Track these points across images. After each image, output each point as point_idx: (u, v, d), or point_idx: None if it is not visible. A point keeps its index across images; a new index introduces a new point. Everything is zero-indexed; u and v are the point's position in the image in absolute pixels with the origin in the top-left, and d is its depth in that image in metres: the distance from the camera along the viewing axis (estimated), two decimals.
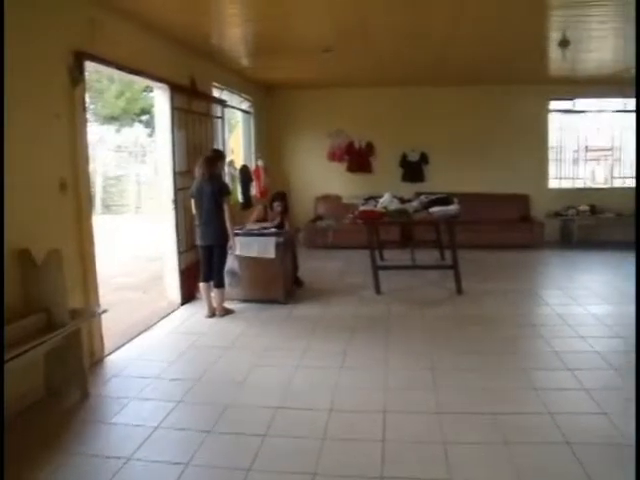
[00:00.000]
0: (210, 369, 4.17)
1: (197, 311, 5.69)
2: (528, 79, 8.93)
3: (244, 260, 5.76)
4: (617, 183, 10.14)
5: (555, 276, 7.59)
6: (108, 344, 4.52)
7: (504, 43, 6.43)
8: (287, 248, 6.16)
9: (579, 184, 10.16)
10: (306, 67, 7.91)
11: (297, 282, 6.61)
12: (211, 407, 3.50)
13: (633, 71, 7.89)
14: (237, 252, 5.66)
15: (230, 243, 5.48)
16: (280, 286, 5.89)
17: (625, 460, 2.80)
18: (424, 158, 9.81)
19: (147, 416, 3.39)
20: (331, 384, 3.85)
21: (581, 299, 6.05)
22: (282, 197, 6.64)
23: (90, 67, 4.40)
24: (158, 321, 5.39)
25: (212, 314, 5.51)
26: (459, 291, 6.25)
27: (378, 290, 6.32)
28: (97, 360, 4.29)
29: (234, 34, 6.05)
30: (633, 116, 9.83)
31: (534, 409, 3.43)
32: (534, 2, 4.93)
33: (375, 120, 9.72)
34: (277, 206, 6.50)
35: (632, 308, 5.67)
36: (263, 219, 6.44)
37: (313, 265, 7.81)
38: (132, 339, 4.86)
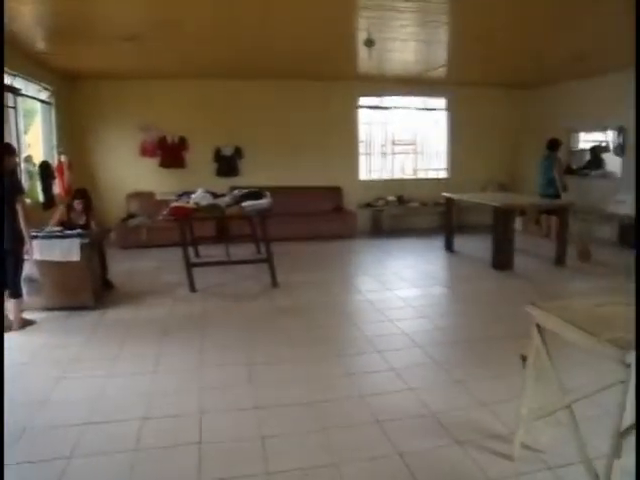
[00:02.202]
0: (5, 391, 3.73)
1: None
2: (339, 75, 9.35)
3: (45, 265, 5.29)
4: (421, 174, 11.11)
5: (367, 264, 8.07)
6: None
7: (314, 39, 6.63)
8: (94, 249, 5.78)
9: (387, 176, 10.91)
10: (113, 56, 7.41)
11: (107, 285, 6.25)
12: (5, 435, 3.12)
13: (433, 73, 8.73)
14: (36, 257, 5.19)
15: (26, 247, 4.99)
16: (88, 290, 5.50)
17: (428, 428, 3.12)
18: (238, 152, 9.82)
19: None
20: (144, 390, 3.69)
21: (390, 284, 6.53)
22: (82, 194, 6.20)
23: None
24: None
25: (8, 328, 4.97)
26: (274, 284, 6.37)
27: (193, 288, 6.22)
28: None
29: (24, 13, 5.42)
30: (432, 113, 10.91)
31: (347, 393, 3.61)
32: (341, 1, 5.15)
33: (188, 114, 9.48)
34: (77, 204, 6.08)
35: (435, 290, 6.33)
36: (66, 220, 5.94)
37: (126, 266, 7.46)
38: None
